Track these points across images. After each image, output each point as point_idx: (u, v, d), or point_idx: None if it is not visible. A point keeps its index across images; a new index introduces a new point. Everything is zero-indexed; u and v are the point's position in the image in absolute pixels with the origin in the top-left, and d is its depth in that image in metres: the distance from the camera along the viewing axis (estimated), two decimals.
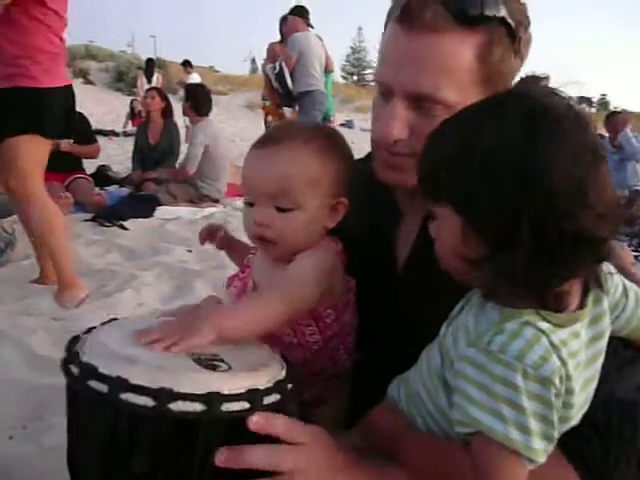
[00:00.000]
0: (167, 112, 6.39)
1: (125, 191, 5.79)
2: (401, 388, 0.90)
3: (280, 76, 6.37)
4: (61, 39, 2.77)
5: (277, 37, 6.95)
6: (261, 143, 0.96)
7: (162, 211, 5.18)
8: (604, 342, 0.77)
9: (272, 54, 6.94)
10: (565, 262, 0.67)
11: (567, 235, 0.65)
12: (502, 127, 0.69)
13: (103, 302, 2.91)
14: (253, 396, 0.72)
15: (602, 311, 0.77)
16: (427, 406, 0.83)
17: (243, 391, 0.71)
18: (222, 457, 0.69)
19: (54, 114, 2.75)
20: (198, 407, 0.68)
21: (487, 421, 0.67)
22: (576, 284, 0.73)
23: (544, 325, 0.69)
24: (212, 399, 0.68)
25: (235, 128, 15.12)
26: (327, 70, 7.22)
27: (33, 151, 2.74)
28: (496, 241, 0.69)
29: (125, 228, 4.57)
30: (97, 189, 5.64)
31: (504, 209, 0.67)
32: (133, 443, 0.69)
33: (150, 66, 13.54)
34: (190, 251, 4.01)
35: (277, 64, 6.38)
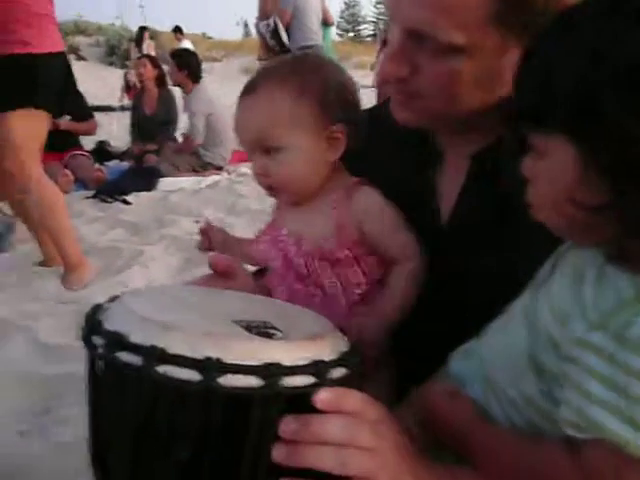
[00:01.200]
0: (161, 80, 6.17)
1: (126, 165, 5.66)
2: (470, 363, 0.75)
3: (275, 33, 6.11)
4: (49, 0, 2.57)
5: None
6: (243, 92, 0.94)
7: (165, 183, 5.07)
8: None
9: (264, 11, 6.66)
10: None
11: None
12: (627, 31, 0.52)
13: (111, 281, 2.81)
14: (318, 369, 0.59)
15: None
16: (507, 391, 0.67)
17: (306, 363, 0.59)
18: (288, 429, 0.56)
19: (50, 85, 2.57)
20: (254, 382, 0.56)
21: (615, 427, 0.52)
22: None
23: None
24: (271, 372, 0.56)
25: (233, 94, 14.82)
26: (326, 23, 6.93)
27: (29, 128, 2.55)
28: (628, 179, 0.52)
29: (128, 203, 4.46)
30: (97, 165, 5.49)
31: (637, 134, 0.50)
32: (174, 426, 0.57)
33: (141, 35, 13.14)
34: (197, 222, 3.88)
35: (271, 20, 6.11)
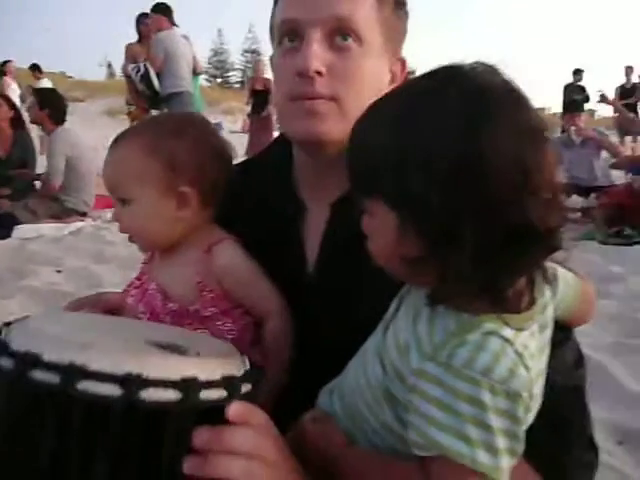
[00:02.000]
0: (17, 121, 5.79)
1: None
2: (334, 399, 0.82)
3: (146, 77, 6.05)
4: None
5: (134, 39, 6.62)
6: (109, 147, 0.98)
7: (22, 230, 4.73)
8: (550, 331, 0.73)
9: (131, 55, 6.58)
10: (516, 257, 0.62)
11: (515, 227, 0.60)
12: (438, 112, 0.62)
13: None
14: (231, 383, 0.64)
15: (546, 300, 0.72)
16: (369, 422, 0.74)
17: (220, 378, 0.63)
18: (200, 440, 0.60)
19: None
20: (173, 395, 0.58)
21: (451, 444, 0.60)
22: (523, 282, 0.67)
23: (508, 332, 0.63)
24: (189, 386, 0.59)
25: (97, 136, 14.22)
26: (195, 72, 7.00)
27: None
28: (437, 238, 0.62)
29: None
30: None
31: (443, 203, 0.60)
32: (95, 441, 0.56)
33: (3, 67, 12.02)
34: (59, 271, 3.67)
35: (141, 65, 6.06)
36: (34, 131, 6.24)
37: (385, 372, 0.71)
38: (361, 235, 0.89)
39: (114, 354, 0.60)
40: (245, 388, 0.66)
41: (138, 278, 1.02)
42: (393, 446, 0.73)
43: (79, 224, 5.10)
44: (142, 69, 6.03)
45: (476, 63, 0.66)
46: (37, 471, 0.58)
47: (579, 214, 5.51)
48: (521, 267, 0.64)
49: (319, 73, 0.88)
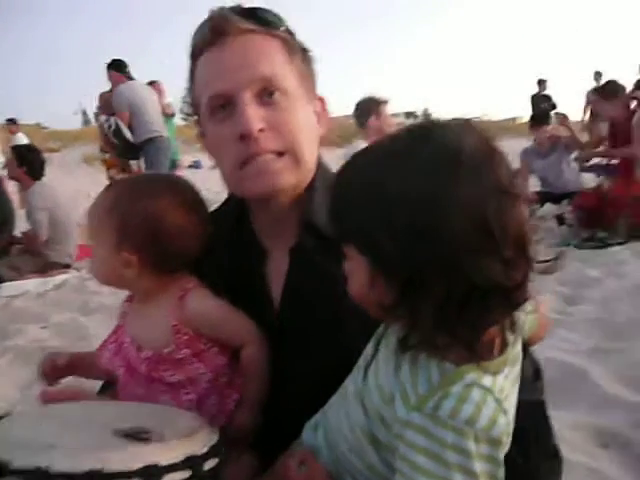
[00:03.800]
0: None
1: None
2: (319, 435, 0.86)
3: (117, 132, 6.13)
4: None
5: (106, 85, 6.69)
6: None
7: (6, 288, 4.69)
8: (519, 364, 0.78)
9: (105, 104, 6.65)
10: (478, 311, 0.66)
11: (476, 284, 0.64)
12: (405, 173, 0.66)
13: None
14: (193, 463, 0.68)
15: (514, 337, 0.76)
16: (354, 463, 0.79)
17: (182, 459, 0.67)
18: None
19: None
20: None
21: None
22: (495, 329, 0.71)
23: (487, 380, 0.68)
24: (150, 473, 0.64)
25: (75, 185, 14.18)
26: (166, 115, 7.08)
27: None
28: (404, 287, 0.66)
29: None
30: None
31: (407, 256, 0.65)
32: None
33: None
34: (45, 327, 3.66)
35: (112, 119, 6.13)
36: (10, 187, 6.24)
37: (368, 417, 0.76)
38: (323, 277, 0.96)
39: (76, 453, 0.64)
40: (210, 464, 0.71)
41: (114, 332, 1.08)
42: None
43: (63, 277, 5.08)
44: (114, 125, 6.10)
45: (452, 120, 0.71)
46: None
47: (554, 221, 5.63)
48: (486, 321, 0.68)
49: (261, 130, 0.95)
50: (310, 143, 1.02)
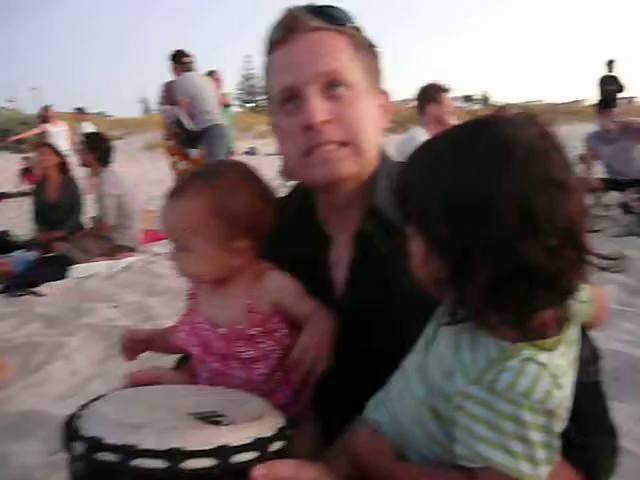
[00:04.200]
0: (63, 167, 6.11)
1: (32, 255, 5.44)
2: (382, 411, 0.91)
3: (178, 122, 6.35)
4: None
5: (167, 74, 6.90)
6: (169, 193, 1.08)
7: (77, 270, 4.95)
8: (577, 346, 0.81)
9: (167, 94, 6.87)
10: (523, 295, 0.70)
11: (516, 268, 0.68)
12: (460, 161, 0.72)
13: (33, 378, 2.74)
14: (260, 445, 0.75)
15: (570, 321, 0.79)
16: (417, 435, 0.84)
17: (250, 441, 0.74)
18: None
19: None
20: (209, 462, 0.70)
21: (497, 457, 0.70)
22: (550, 311, 0.75)
23: (543, 357, 0.72)
24: (222, 452, 0.71)
25: (138, 172, 14.71)
26: (224, 104, 7.25)
27: None
28: (453, 266, 0.72)
29: (40, 294, 4.33)
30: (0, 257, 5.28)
31: (455, 237, 0.70)
32: None
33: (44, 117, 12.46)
34: (116, 307, 3.86)
35: (172, 111, 6.38)
36: (79, 173, 6.52)
37: (429, 392, 0.81)
38: (385, 262, 1.01)
39: (160, 432, 0.72)
40: (276, 446, 0.77)
41: (186, 313, 1.15)
42: (439, 454, 0.82)
43: (129, 259, 5.32)
44: (173, 114, 6.32)
45: (514, 114, 0.76)
46: None
47: (619, 209, 5.43)
48: (530, 305, 0.72)
49: (325, 122, 1.01)
50: (372, 135, 1.07)
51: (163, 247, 5.84)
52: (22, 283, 4.41)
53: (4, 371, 2.72)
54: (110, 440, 0.71)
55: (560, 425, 0.72)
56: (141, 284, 4.51)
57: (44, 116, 11.70)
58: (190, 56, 6.59)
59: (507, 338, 0.73)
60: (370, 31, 1.12)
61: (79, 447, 0.72)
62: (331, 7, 1.08)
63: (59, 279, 4.72)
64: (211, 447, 0.71)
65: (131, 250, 5.50)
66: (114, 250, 5.38)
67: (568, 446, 0.78)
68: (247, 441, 0.74)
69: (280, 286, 1.06)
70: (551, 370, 0.71)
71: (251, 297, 1.05)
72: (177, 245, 1.06)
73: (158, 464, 0.68)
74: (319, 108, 1.01)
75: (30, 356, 3.01)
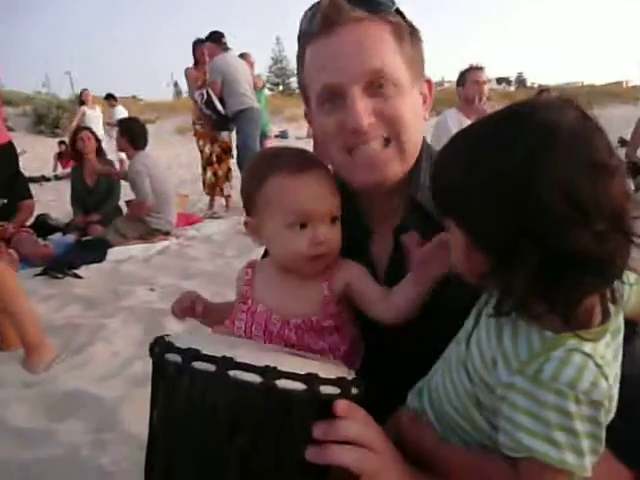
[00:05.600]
0: (100, 151, 6.23)
1: (71, 238, 5.59)
2: (424, 399, 0.92)
3: (210, 103, 6.34)
4: None
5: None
6: (296, 170, 1.01)
7: (114, 252, 5.05)
8: (622, 335, 0.79)
9: (193, 79, 6.90)
10: (571, 282, 0.68)
11: (565, 255, 0.66)
12: (501, 150, 0.70)
13: (75, 359, 2.81)
14: (343, 383, 0.78)
15: (617, 308, 0.78)
16: (458, 421, 0.84)
17: (335, 377, 0.77)
18: (320, 430, 0.74)
19: (1, 174, 2.66)
20: (299, 386, 0.73)
21: (541, 448, 0.69)
22: (595, 299, 0.74)
23: (588, 347, 0.71)
24: (312, 380, 0.74)
25: (169, 155, 14.88)
26: (257, 88, 7.23)
27: None
28: (498, 258, 0.70)
29: (79, 276, 4.43)
30: (40, 240, 5.41)
31: (500, 227, 0.69)
32: (237, 418, 0.73)
33: (81, 100, 12.62)
34: (152, 289, 3.92)
35: (204, 92, 6.36)
36: (112, 156, 6.62)
37: (472, 382, 0.81)
38: None
39: (255, 353, 0.78)
40: (355, 391, 0.80)
41: (243, 301, 1.10)
42: (481, 442, 0.83)
43: (165, 243, 5.39)
44: (205, 96, 6.32)
45: (553, 98, 0.74)
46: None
47: None
48: (579, 291, 0.70)
49: (369, 124, 0.98)
50: (415, 130, 1.05)
51: (197, 230, 5.91)
52: (62, 265, 4.52)
53: (48, 352, 2.79)
54: (207, 351, 0.75)
55: (606, 416, 0.70)
56: (176, 267, 4.57)
57: (82, 100, 11.94)
58: (224, 36, 6.59)
59: (550, 328, 0.72)
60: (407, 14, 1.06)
61: (173, 357, 0.76)
62: None
63: (97, 262, 4.81)
64: (303, 372, 0.74)
65: (166, 234, 5.59)
66: (149, 233, 5.48)
67: (617, 439, 0.76)
68: (333, 376, 0.77)
69: (352, 271, 1.06)
70: (596, 360, 0.70)
71: (328, 287, 1.05)
72: (330, 218, 1.03)
73: (253, 378, 0.72)
74: (366, 111, 0.98)
75: (72, 337, 3.08)
